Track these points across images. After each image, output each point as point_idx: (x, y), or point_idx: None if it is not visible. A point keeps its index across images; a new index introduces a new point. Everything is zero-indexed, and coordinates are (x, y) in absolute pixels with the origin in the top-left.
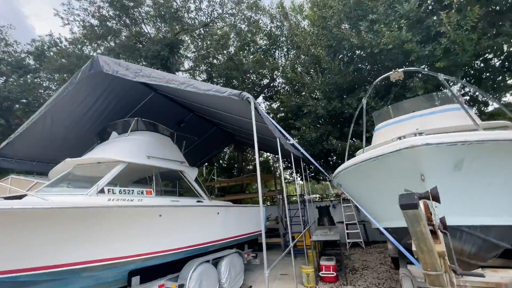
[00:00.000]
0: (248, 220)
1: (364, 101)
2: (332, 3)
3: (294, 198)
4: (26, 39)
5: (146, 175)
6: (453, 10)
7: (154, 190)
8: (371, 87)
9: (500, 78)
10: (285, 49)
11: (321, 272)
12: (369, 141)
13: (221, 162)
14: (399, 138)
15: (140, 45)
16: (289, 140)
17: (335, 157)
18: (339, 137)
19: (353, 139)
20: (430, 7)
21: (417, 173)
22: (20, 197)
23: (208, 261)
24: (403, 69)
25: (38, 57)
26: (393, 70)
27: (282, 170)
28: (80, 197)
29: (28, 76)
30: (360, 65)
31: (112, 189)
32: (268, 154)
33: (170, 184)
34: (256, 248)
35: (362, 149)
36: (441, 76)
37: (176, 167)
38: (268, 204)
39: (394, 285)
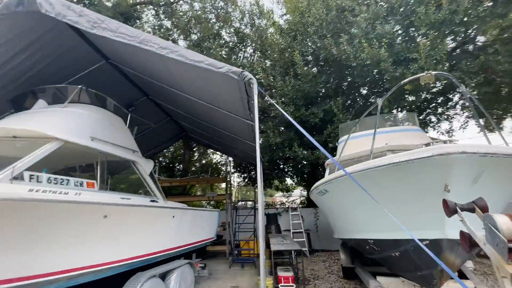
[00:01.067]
0: (202, 226)
1: (379, 102)
2: (315, 10)
3: (241, 204)
4: None
5: (83, 162)
6: (426, 40)
7: (98, 183)
8: (392, 89)
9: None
10: (251, 50)
11: (280, 284)
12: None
13: (161, 159)
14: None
15: (84, 7)
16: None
17: (286, 164)
18: (300, 145)
19: (313, 149)
20: (403, 34)
21: (440, 183)
22: None
23: (155, 275)
24: (436, 72)
25: None
26: (425, 72)
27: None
28: None
29: None
30: (329, 77)
31: (37, 176)
32: (218, 156)
33: (114, 177)
34: (204, 257)
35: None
36: (463, 88)
37: (129, 156)
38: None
39: None
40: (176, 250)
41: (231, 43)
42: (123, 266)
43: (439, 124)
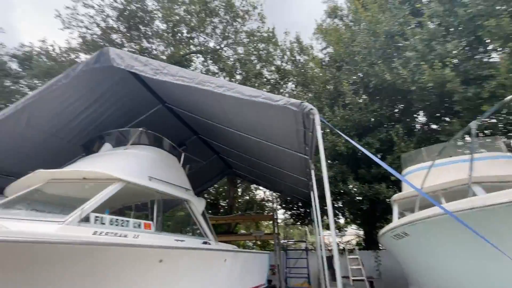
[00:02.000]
0: (252, 270)
1: (473, 125)
2: (361, 39)
3: (293, 245)
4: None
5: (138, 201)
6: (504, 54)
7: (154, 224)
8: (495, 107)
9: None
10: (293, 86)
11: None
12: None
13: (206, 196)
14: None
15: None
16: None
17: (340, 201)
18: (355, 179)
19: (371, 183)
20: (468, 50)
21: None
22: None
23: None
24: None
25: (23, 62)
26: None
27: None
28: (53, 226)
29: (6, 80)
30: (382, 105)
31: (101, 218)
32: (261, 191)
33: (165, 215)
34: None
35: (397, 194)
36: None
37: (182, 195)
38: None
39: None
40: None
41: (272, 81)
42: None
43: None
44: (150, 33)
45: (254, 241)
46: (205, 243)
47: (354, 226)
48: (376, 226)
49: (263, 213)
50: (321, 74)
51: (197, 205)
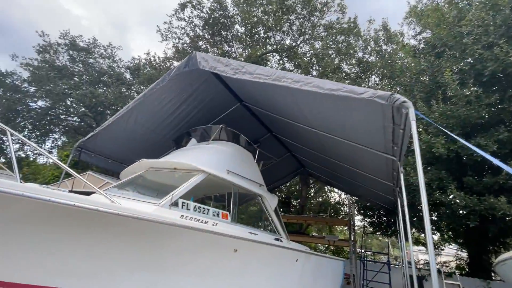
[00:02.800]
0: (325, 276)
1: None
2: (476, 15)
3: (371, 256)
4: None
5: (217, 193)
6: None
7: (230, 215)
8: None
9: None
10: (377, 79)
11: None
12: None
13: (278, 193)
14: None
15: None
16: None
17: (435, 214)
18: (458, 188)
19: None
20: None
21: None
22: (88, 193)
23: None
24: None
25: (133, 72)
26: None
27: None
28: (150, 206)
29: (122, 87)
30: (503, 96)
31: (187, 204)
32: (335, 194)
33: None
34: None
35: None
36: None
37: (256, 190)
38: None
39: None
40: None
41: (352, 75)
42: None
43: None
44: (230, 37)
45: (327, 245)
46: (276, 239)
47: (454, 246)
48: (487, 249)
49: (337, 217)
50: (413, 64)
51: (270, 201)
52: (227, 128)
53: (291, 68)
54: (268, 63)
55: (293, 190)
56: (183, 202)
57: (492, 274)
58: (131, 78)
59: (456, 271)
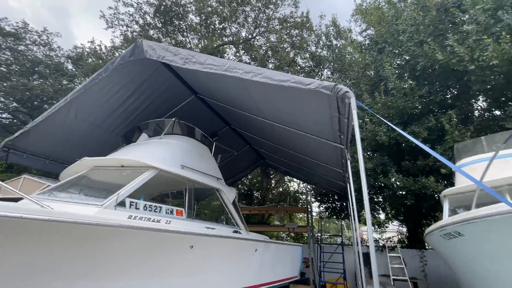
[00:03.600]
0: (285, 262)
1: None
2: (408, 15)
3: (328, 239)
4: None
5: (173, 189)
6: None
7: (185, 211)
8: None
9: None
10: (329, 73)
11: None
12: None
13: (240, 186)
14: None
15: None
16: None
17: (381, 195)
18: (398, 171)
19: (416, 176)
20: None
21: None
22: (15, 200)
23: None
24: None
25: (76, 62)
26: None
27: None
28: (92, 209)
29: (63, 80)
30: (432, 89)
31: (136, 203)
32: (295, 183)
33: (199, 204)
34: None
35: (449, 188)
36: None
37: (214, 184)
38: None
39: None
40: None
41: (307, 68)
42: None
43: None
44: (184, 27)
45: (288, 233)
46: (235, 232)
47: (396, 223)
48: (421, 223)
49: (297, 205)
50: (360, 59)
51: (228, 194)
52: (180, 122)
53: (248, 61)
54: (225, 55)
55: (255, 182)
56: (131, 202)
57: (426, 244)
58: (73, 69)
59: (398, 244)
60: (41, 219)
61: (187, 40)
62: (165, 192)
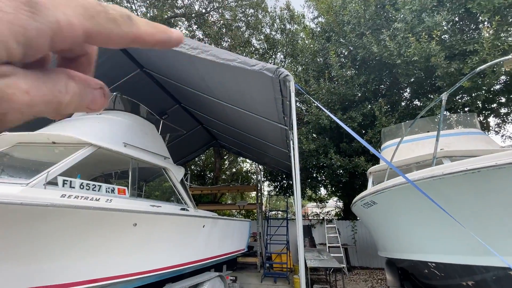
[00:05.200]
0: (232, 236)
1: (444, 97)
2: (351, 8)
3: (274, 214)
4: None
5: (117, 169)
6: (490, 29)
7: (129, 190)
8: (466, 77)
9: None
10: (282, 56)
11: None
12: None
13: (193, 167)
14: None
15: None
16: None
17: (323, 174)
18: (336, 152)
19: (351, 157)
20: (459, 24)
21: None
22: None
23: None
24: None
25: None
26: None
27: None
28: (16, 188)
29: None
30: (369, 78)
31: (70, 182)
32: (248, 164)
33: (148, 185)
34: (234, 269)
35: (373, 167)
36: None
37: (160, 162)
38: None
39: None
40: (206, 261)
41: (261, 50)
42: (153, 276)
43: (503, 127)
44: None
45: (239, 210)
46: (183, 209)
47: (335, 198)
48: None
49: (248, 185)
50: (311, 46)
51: (176, 173)
52: (123, 97)
53: (201, 37)
54: (177, 28)
55: (208, 163)
56: (64, 180)
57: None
58: None
59: (335, 217)
60: None
61: (133, 8)
62: (108, 172)
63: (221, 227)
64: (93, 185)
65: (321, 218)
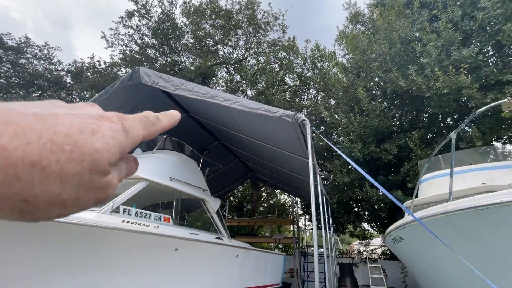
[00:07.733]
0: (266, 269)
1: (453, 135)
2: (377, 47)
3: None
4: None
5: (164, 200)
6: None
7: (172, 218)
8: (469, 118)
9: None
10: (314, 92)
11: None
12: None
13: (232, 199)
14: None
15: (174, 73)
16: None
17: (361, 207)
18: (372, 185)
19: (389, 190)
20: (492, 55)
21: None
22: None
23: None
24: None
25: (75, 76)
26: (507, 97)
27: (297, 212)
28: (91, 214)
29: (62, 93)
30: (401, 111)
31: (128, 210)
32: (286, 196)
33: (186, 213)
34: None
35: (408, 201)
36: None
37: (199, 194)
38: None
39: None
40: None
41: (294, 87)
42: None
43: None
44: (180, 47)
45: (276, 244)
46: (218, 238)
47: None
48: None
49: (285, 217)
50: (345, 79)
51: (212, 204)
52: (171, 138)
53: (239, 80)
54: (218, 73)
55: (246, 195)
56: (124, 208)
57: None
58: (72, 83)
59: (381, 256)
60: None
61: (182, 60)
62: (156, 202)
63: (254, 259)
64: (145, 213)
65: (364, 256)
